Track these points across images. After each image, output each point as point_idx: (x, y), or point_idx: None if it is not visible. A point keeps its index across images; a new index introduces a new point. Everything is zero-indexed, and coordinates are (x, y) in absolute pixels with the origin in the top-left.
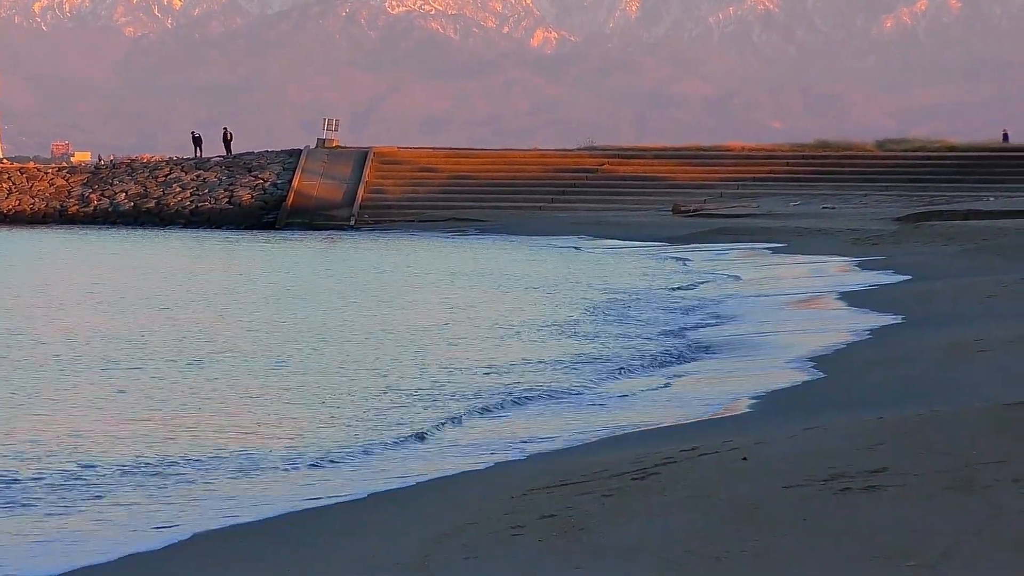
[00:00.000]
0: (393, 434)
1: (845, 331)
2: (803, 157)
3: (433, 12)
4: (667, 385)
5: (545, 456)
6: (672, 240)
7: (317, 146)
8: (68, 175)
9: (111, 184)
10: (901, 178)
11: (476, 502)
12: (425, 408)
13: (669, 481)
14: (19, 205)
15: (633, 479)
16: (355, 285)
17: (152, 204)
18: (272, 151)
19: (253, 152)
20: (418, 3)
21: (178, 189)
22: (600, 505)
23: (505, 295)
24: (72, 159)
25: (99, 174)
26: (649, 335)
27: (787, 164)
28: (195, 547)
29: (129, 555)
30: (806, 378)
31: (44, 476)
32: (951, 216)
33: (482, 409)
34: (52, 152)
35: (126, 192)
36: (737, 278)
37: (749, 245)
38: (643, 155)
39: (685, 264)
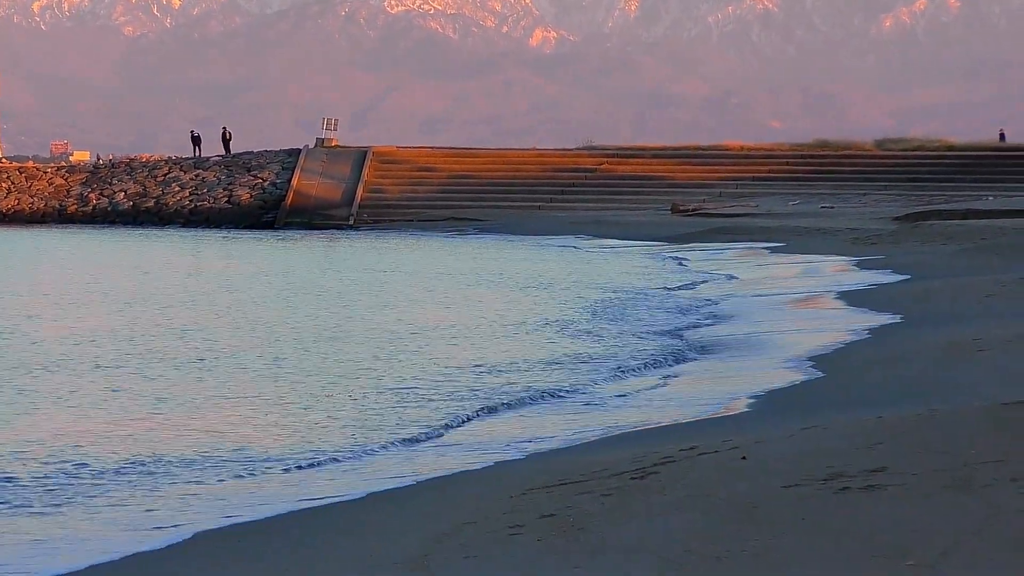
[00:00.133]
0: (392, 434)
1: (844, 330)
2: (802, 157)
3: (432, 12)
4: (665, 384)
5: (544, 455)
6: (671, 240)
7: (316, 146)
8: (67, 174)
9: (110, 183)
10: (900, 178)
11: (475, 502)
12: (424, 408)
13: (668, 480)
14: (18, 204)
15: (632, 478)
16: (354, 285)
17: (151, 203)
18: (271, 151)
19: (252, 151)
20: (417, 3)
21: (177, 189)
22: (599, 504)
23: (504, 295)
24: (71, 158)
25: (98, 173)
26: (648, 334)
27: (786, 164)
28: (196, 547)
29: (131, 555)
30: (805, 377)
31: (43, 476)
32: (950, 215)
33: (481, 409)
34: (51, 151)
35: (125, 191)
36: (736, 277)
37: (748, 245)
38: (642, 155)
39: (684, 264)
